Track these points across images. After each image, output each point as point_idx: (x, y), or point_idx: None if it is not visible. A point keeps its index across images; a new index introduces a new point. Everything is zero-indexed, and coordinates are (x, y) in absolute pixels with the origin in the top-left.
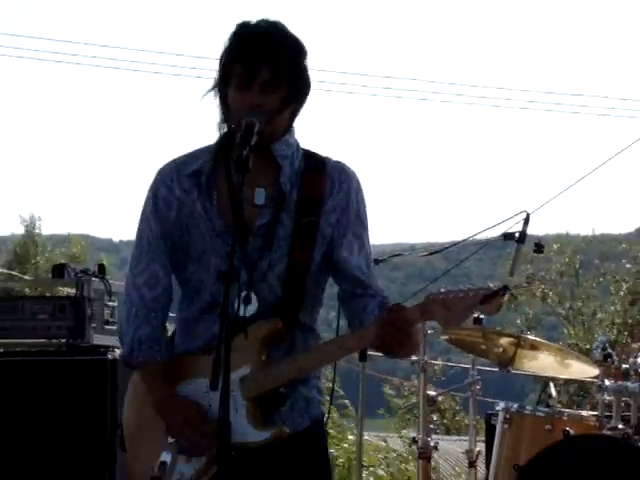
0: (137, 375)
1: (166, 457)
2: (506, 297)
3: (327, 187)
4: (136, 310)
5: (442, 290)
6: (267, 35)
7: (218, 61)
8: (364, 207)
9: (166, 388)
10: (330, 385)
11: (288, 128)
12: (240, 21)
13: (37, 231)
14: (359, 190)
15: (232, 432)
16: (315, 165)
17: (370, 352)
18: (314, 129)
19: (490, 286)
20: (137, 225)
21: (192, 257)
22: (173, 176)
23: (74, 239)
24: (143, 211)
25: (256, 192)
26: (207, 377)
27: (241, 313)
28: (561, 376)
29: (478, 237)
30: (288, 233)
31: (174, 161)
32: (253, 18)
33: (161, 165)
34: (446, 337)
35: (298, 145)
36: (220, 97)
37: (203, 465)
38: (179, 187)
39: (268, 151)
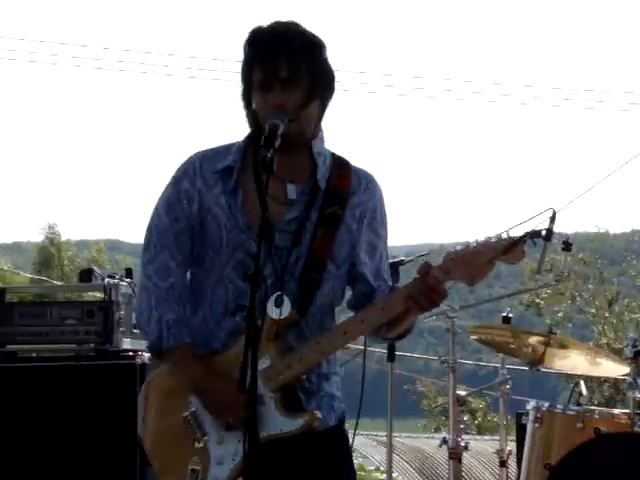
0: (159, 374)
1: (196, 464)
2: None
3: (354, 184)
4: (156, 297)
5: (459, 248)
6: (281, 34)
7: (240, 72)
8: (386, 215)
9: (202, 366)
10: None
11: (317, 123)
12: (253, 27)
13: (57, 236)
14: (382, 198)
15: (264, 425)
16: (342, 164)
17: (398, 352)
18: (334, 129)
19: (510, 235)
20: (150, 214)
21: (208, 253)
22: (197, 169)
23: (93, 244)
24: (158, 201)
25: (288, 188)
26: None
27: (275, 315)
28: (592, 374)
29: (504, 236)
30: (313, 225)
31: (198, 155)
32: (266, 22)
33: (184, 159)
34: (476, 337)
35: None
36: (246, 105)
37: (237, 465)
38: (202, 181)
39: (300, 148)
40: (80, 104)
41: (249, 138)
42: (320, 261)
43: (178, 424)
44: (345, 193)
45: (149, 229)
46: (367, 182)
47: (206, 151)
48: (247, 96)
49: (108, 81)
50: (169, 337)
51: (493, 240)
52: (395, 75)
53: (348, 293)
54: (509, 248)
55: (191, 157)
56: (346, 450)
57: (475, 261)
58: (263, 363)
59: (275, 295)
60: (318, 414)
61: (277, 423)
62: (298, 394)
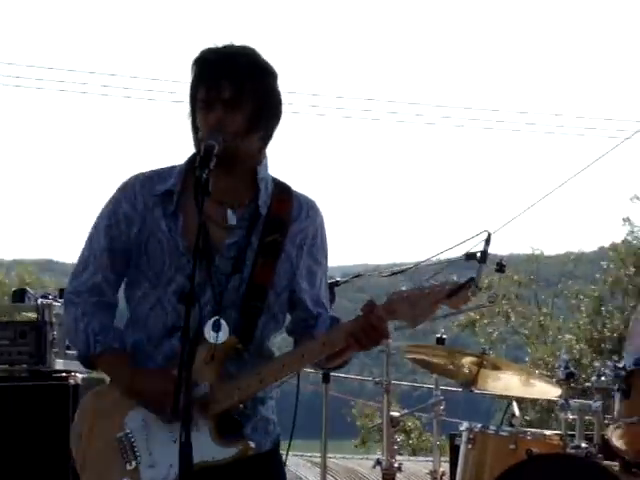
0: (94, 395)
1: None
2: (472, 289)
3: (294, 210)
4: (82, 311)
5: (404, 288)
6: (228, 55)
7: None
8: (326, 242)
9: (133, 369)
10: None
11: (259, 152)
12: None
13: None
14: (323, 224)
15: (198, 452)
16: (283, 190)
17: (333, 374)
18: (283, 151)
19: (455, 280)
20: (88, 232)
21: (148, 275)
22: (137, 191)
23: (21, 265)
24: (96, 220)
25: (228, 214)
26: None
27: (212, 340)
28: (525, 396)
29: (441, 257)
30: (254, 252)
31: (139, 177)
32: (219, 43)
33: (125, 179)
34: (410, 357)
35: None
36: (191, 124)
37: None
38: (143, 203)
39: (244, 173)
40: (19, 123)
41: (190, 161)
42: (262, 289)
43: (111, 444)
44: (286, 219)
45: (86, 248)
46: (308, 209)
47: (147, 173)
48: (193, 117)
49: (55, 101)
50: (96, 344)
51: (438, 284)
52: (346, 98)
53: (287, 318)
54: (454, 292)
55: (131, 178)
56: (280, 473)
57: (419, 303)
58: (201, 389)
59: (213, 319)
60: (252, 444)
61: (210, 451)
62: (238, 419)
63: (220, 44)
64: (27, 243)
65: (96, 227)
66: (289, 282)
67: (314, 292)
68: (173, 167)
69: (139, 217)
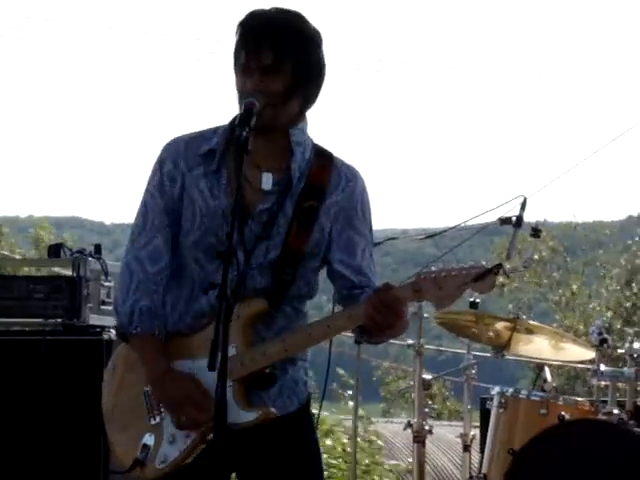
0: (128, 347)
1: (148, 440)
2: (500, 275)
3: (333, 179)
4: (138, 281)
5: (433, 268)
6: (271, 20)
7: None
8: (369, 212)
9: (163, 362)
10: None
11: (298, 117)
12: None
13: None
14: (364, 194)
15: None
16: (324, 157)
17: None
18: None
19: (483, 264)
20: (142, 197)
21: (183, 233)
22: (180, 151)
23: (38, 221)
24: (148, 184)
25: (264, 177)
26: (193, 358)
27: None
28: (557, 360)
29: (473, 222)
30: (288, 219)
31: (182, 137)
32: (266, 6)
33: (168, 140)
34: (440, 321)
35: (309, 137)
36: (235, 85)
37: (188, 446)
38: (185, 163)
39: (278, 135)
40: (62, 79)
41: (234, 120)
42: (295, 255)
43: (138, 397)
44: (324, 187)
45: (145, 212)
46: (347, 180)
47: (192, 134)
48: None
49: (87, 57)
50: (139, 324)
51: (466, 266)
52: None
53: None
54: (480, 277)
55: (176, 138)
56: (309, 434)
57: (445, 285)
58: (229, 351)
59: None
60: (273, 410)
61: (232, 413)
62: (271, 372)
63: (265, 7)
64: (56, 200)
65: (150, 190)
66: (319, 251)
67: (355, 262)
68: (218, 127)
69: (180, 176)
